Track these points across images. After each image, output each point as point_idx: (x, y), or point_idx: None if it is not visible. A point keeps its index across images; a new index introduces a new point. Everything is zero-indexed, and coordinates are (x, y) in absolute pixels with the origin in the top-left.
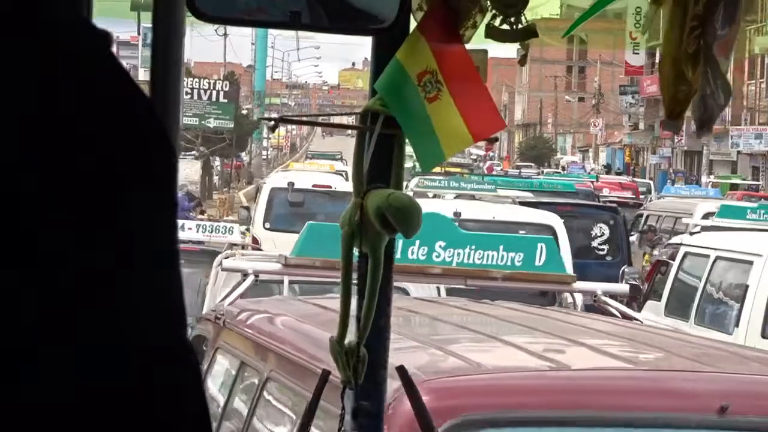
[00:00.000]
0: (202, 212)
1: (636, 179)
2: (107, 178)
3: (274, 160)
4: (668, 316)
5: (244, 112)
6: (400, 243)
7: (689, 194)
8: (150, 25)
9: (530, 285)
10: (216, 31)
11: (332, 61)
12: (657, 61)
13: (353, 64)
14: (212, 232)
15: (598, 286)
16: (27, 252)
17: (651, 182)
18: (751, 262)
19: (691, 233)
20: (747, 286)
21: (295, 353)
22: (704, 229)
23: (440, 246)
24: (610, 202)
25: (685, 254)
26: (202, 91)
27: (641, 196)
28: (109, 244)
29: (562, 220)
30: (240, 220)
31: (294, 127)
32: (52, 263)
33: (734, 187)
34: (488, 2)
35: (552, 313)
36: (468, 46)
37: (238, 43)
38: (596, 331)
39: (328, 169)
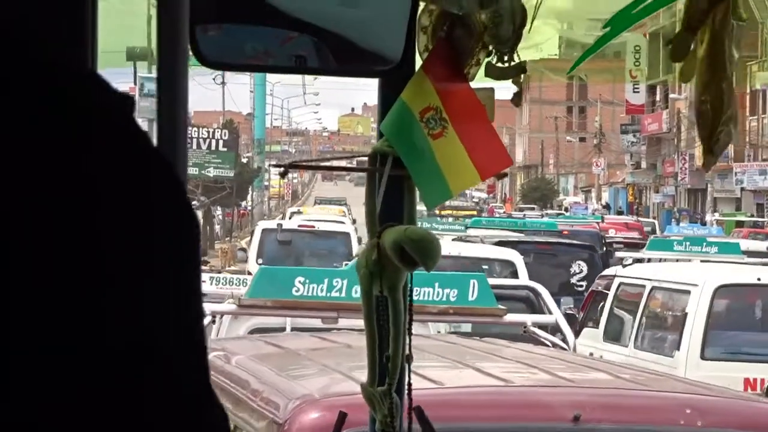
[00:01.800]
0: (204, 263)
1: (640, 218)
2: (130, 251)
3: (275, 208)
4: (606, 342)
5: (245, 160)
6: (345, 282)
7: (693, 233)
8: (146, 75)
9: (463, 318)
10: (214, 79)
11: (332, 107)
12: (657, 99)
13: (352, 109)
14: (228, 284)
15: (528, 318)
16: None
17: (655, 221)
18: (688, 292)
19: (624, 265)
20: (686, 313)
21: (249, 395)
22: (636, 261)
23: None
24: (617, 243)
25: (620, 284)
26: (201, 140)
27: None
28: (132, 315)
29: (530, 256)
30: (238, 260)
31: (295, 174)
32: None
33: (740, 224)
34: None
35: (465, 341)
36: (474, 84)
37: (237, 92)
38: (492, 355)
39: (337, 213)
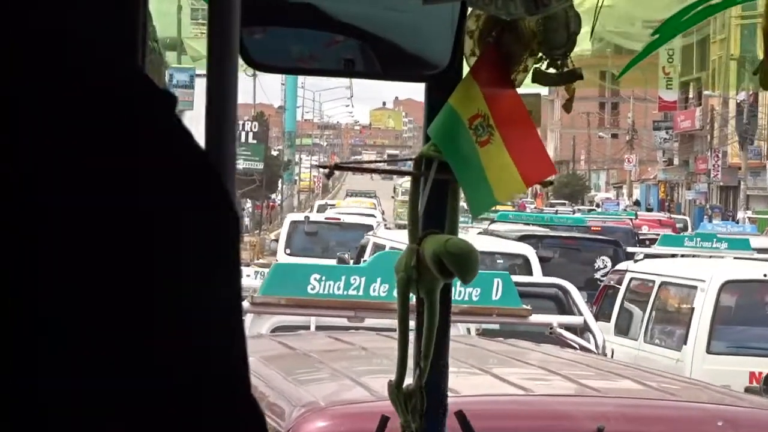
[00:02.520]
0: None
1: (673, 215)
2: (174, 257)
3: (305, 202)
4: (617, 335)
5: (275, 153)
6: (362, 280)
7: (726, 231)
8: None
9: (486, 319)
10: (245, 72)
11: (363, 100)
12: (690, 96)
13: (384, 103)
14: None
15: (554, 319)
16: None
17: (687, 218)
18: (695, 287)
19: (635, 260)
20: (693, 308)
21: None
22: (647, 256)
23: None
24: (650, 239)
25: (631, 279)
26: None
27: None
28: (169, 307)
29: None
30: (271, 251)
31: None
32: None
33: None
34: (538, 46)
35: (487, 344)
36: (520, 90)
37: (269, 84)
38: (514, 360)
39: (369, 205)
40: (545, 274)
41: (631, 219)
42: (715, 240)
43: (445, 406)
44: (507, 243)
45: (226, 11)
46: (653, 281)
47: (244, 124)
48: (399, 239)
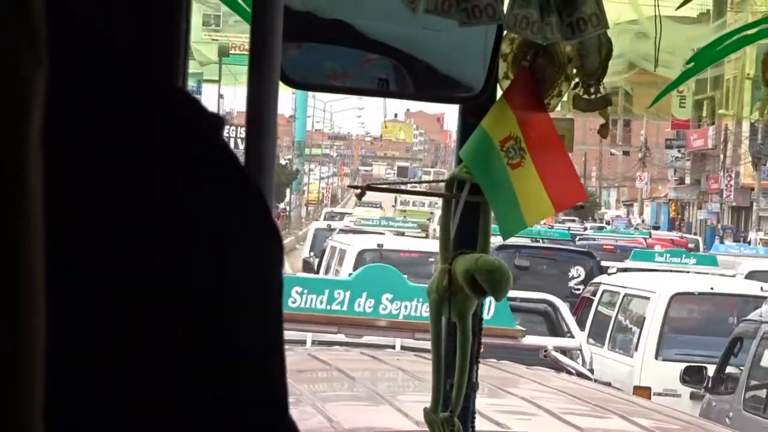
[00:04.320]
0: None
1: (685, 235)
2: (213, 284)
3: (314, 212)
4: (590, 343)
5: (283, 162)
6: (347, 294)
7: (739, 253)
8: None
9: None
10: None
11: (374, 111)
12: (704, 114)
13: (395, 115)
14: None
15: (549, 342)
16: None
17: (699, 239)
18: (648, 298)
19: (609, 273)
20: (644, 318)
21: None
22: (620, 270)
23: (387, 298)
24: None
25: (603, 291)
26: (239, 140)
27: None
28: (215, 326)
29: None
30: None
31: (335, 177)
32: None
33: None
34: (573, 71)
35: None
36: (553, 115)
37: (280, 93)
38: (500, 390)
39: (380, 214)
40: (522, 283)
41: (644, 238)
42: (684, 256)
43: (474, 429)
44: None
45: (269, 27)
46: (619, 293)
47: None
48: (354, 243)
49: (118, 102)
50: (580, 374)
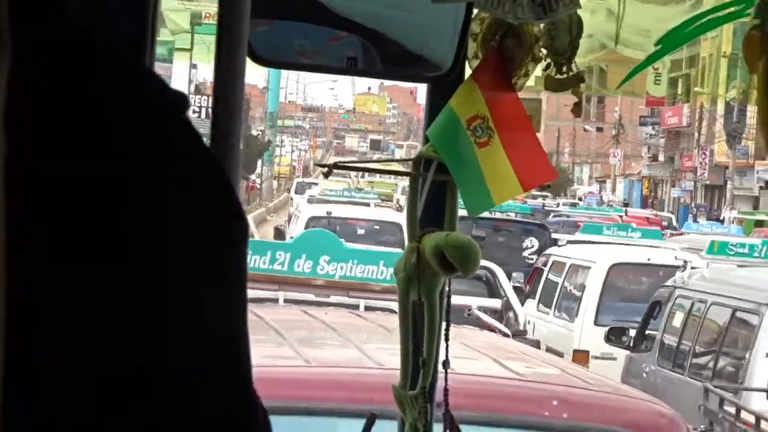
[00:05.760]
0: None
1: (658, 213)
2: (181, 249)
3: (285, 183)
4: (539, 310)
5: (255, 133)
6: (288, 255)
7: (711, 232)
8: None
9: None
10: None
11: (348, 84)
12: (679, 92)
13: (369, 88)
14: None
15: (474, 301)
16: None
17: (672, 216)
18: (589, 267)
19: (559, 245)
20: (585, 286)
21: None
22: (569, 242)
23: (325, 260)
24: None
25: (553, 262)
26: (209, 110)
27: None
28: (179, 303)
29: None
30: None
31: (307, 149)
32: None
33: (759, 223)
34: (541, 52)
35: (376, 317)
36: (521, 95)
37: (253, 64)
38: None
39: (349, 185)
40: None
41: (620, 216)
42: (630, 230)
43: (448, 407)
44: (385, 212)
45: (237, 2)
46: (565, 263)
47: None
48: (305, 210)
49: (80, 85)
50: (502, 333)
